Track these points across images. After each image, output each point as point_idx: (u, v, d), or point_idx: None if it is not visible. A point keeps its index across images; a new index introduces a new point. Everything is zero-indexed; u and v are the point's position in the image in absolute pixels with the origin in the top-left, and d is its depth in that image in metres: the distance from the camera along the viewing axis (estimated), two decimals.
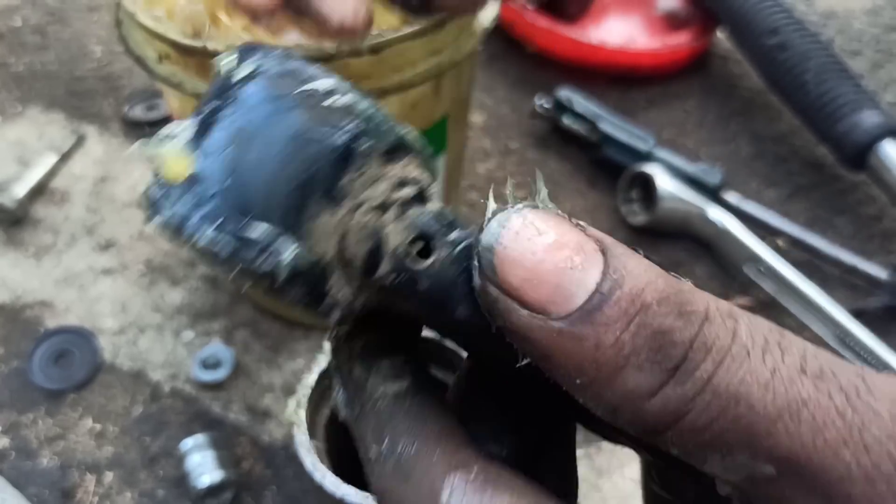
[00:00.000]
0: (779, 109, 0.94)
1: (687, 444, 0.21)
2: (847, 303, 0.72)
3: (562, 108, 0.89)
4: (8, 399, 0.69)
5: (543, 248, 0.21)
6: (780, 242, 0.79)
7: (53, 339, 0.73)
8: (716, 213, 0.78)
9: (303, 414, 0.45)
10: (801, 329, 0.71)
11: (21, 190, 0.83)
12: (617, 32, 1.00)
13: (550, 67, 0.99)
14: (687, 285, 0.22)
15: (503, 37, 1.02)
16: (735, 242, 0.77)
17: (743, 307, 0.23)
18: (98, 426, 0.67)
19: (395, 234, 0.23)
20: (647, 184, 0.81)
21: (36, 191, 0.85)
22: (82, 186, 0.86)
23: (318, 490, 0.43)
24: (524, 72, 1.01)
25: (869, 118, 0.81)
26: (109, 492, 0.63)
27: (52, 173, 0.87)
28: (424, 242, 0.23)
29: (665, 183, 0.80)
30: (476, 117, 0.94)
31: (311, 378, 0.47)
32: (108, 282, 0.78)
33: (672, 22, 1.01)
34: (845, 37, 1.08)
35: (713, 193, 0.81)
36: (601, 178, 0.87)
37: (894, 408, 0.20)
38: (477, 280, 0.22)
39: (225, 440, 0.65)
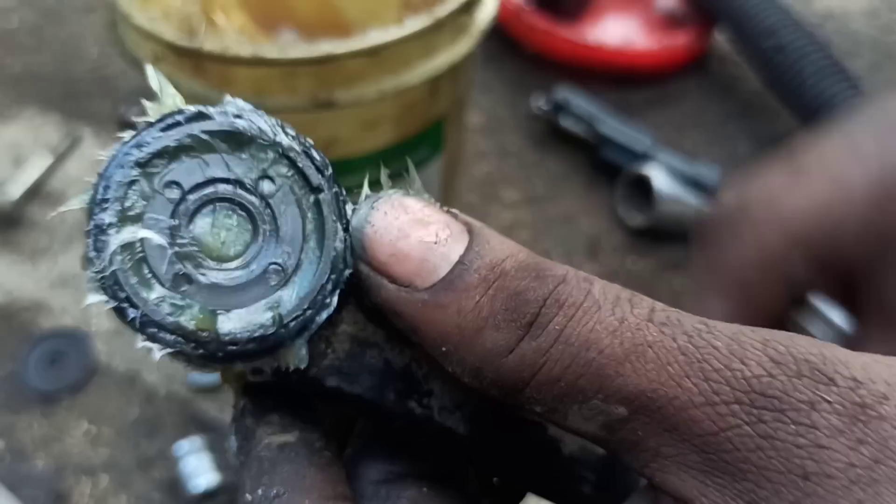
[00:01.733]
0: (777, 110, 0.93)
1: (546, 398, 0.23)
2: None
3: (559, 108, 0.89)
4: (2, 401, 0.69)
5: (409, 225, 0.23)
6: None
7: (48, 342, 0.72)
8: None
9: None
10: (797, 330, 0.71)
11: (16, 191, 0.83)
12: (615, 33, 1.00)
13: (548, 68, 0.99)
14: (549, 261, 0.24)
15: (501, 37, 1.01)
16: None
17: None
18: (93, 429, 0.67)
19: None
20: (645, 185, 0.81)
21: (31, 192, 0.84)
22: (78, 188, 0.86)
23: None
24: (522, 72, 1.00)
25: None
26: (104, 494, 0.63)
27: (47, 174, 0.86)
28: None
29: (663, 184, 0.79)
30: (473, 118, 0.94)
31: None
32: None
33: (670, 22, 1.01)
34: (843, 38, 1.08)
35: (712, 194, 0.81)
36: (599, 179, 0.87)
37: (732, 344, 0.21)
38: (349, 260, 0.24)
39: (220, 443, 0.65)
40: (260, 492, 0.24)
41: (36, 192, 0.85)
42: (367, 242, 0.24)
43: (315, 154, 0.25)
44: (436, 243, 0.23)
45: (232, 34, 0.54)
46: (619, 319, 0.22)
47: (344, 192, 0.25)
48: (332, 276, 0.24)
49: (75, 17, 1.08)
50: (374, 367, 0.26)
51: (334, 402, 0.26)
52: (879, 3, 1.13)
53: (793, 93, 0.87)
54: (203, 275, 0.23)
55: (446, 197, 0.73)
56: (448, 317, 0.23)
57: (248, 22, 0.53)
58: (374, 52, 0.51)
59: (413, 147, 0.60)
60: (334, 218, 0.24)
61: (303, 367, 0.24)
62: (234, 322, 0.23)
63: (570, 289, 0.23)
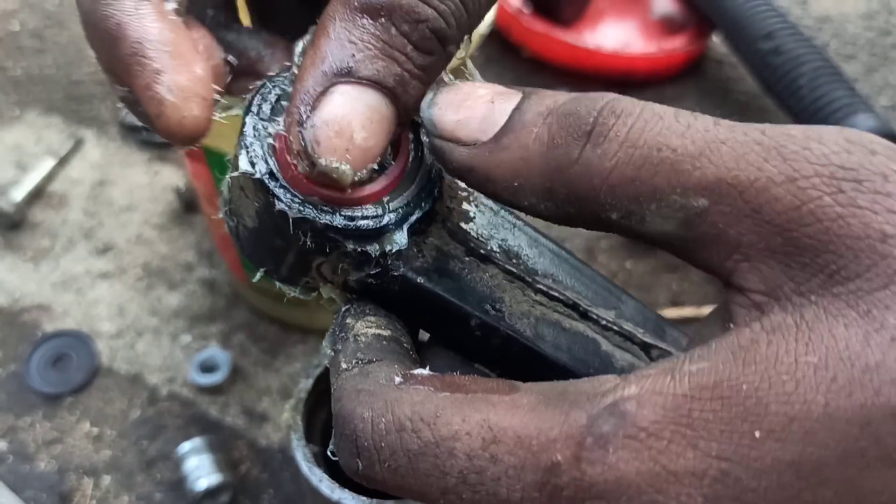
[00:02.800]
0: (774, 113, 0.94)
1: (622, 201, 0.24)
2: None
3: None
4: (5, 403, 0.69)
5: (467, 96, 0.27)
6: None
7: (51, 343, 0.73)
8: None
9: (299, 418, 0.46)
10: None
11: (19, 194, 0.83)
12: (612, 37, 1.00)
13: (546, 72, 0.99)
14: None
15: (499, 42, 1.02)
16: None
17: None
18: (95, 430, 0.68)
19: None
20: None
21: (34, 195, 0.85)
22: (80, 190, 0.86)
23: (314, 493, 0.43)
24: (520, 77, 1.01)
25: (863, 122, 0.81)
26: (107, 495, 0.64)
27: (50, 177, 0.87)
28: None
29: None
30: None
31: (307, 382, 0.48)
32: (105, 285, 0.78)
33: (667, 26, 1.01)
34: (840, 41, 1.08)
35: None
36: None
37: (807, 130, 0.22)
38: (425, 139, 0.28)
39: (222, 443, 0.65)
40: (355, 360, 0.27)
41: (39, 194, 0.86)
42: (436, 118, 0.27)
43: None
44: (493, 102, 0.26)
45: None
46: (686, 125, 0.24)
47: None
48: (427, 185, 0.30)
49: (76, 20, 1.08)
50: (455, 272, 0.30)
51: (420, 302, 0.30)
52: (876, 6, 1.14)
53: (789, 96, 0.87)
54: None
55: None
56: (513, 153, 0.25)
57: (250, 21, 0.53)
58: None
59: None
60: (424, 143, 0.30)
61: (402, 248, 0.29)
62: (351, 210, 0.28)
63: (625, 102, 0.25)
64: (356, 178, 0.27)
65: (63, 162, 0.89)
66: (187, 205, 0.83)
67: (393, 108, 0.27)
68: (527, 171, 0.25)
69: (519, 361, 0.31)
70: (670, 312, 0.75)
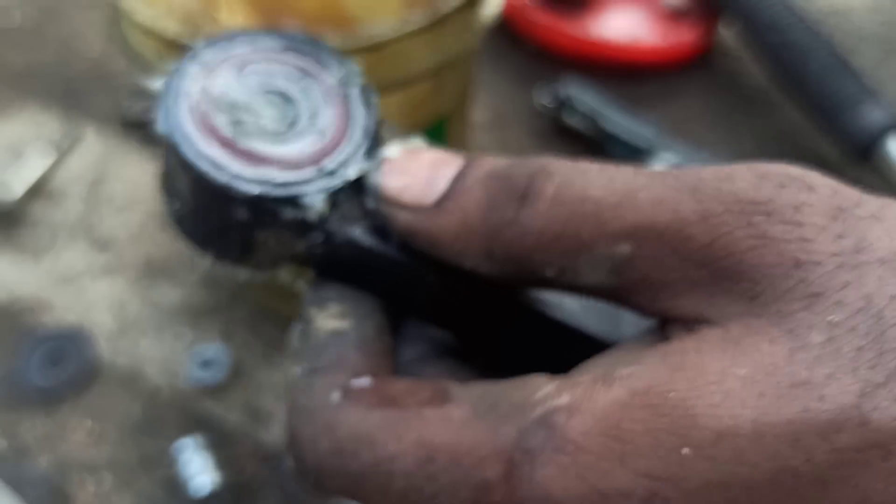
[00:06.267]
0: (783, 105, 0.93)
1: (554, 258, 0.25)
2: None
3: (563, 104, 0.88)
4: (4, 400, 0.69)
5: (410, 160, 0.28)
6: None
7: (50, 340, 0.72)
8: None
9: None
10: None
11: (18, 189, 0.83)
12: (619, 28, 0.99)
13: (552, 63, 0.98)
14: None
15: (505, 32, 1.01)
16: None
17: None
18: (96, 427, 0.67)
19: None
20: None
21: (33, 190, 0.84)
22: (79, 185, 0.86)
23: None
24: (526, 68, 1.00)
25: (873, 114, 0.80)
26: (107, 493, 0.63)
27: (49, 172, 0.86)
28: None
29: None
30: (477, 114, 0.94)
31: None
32: (105, 281, 0.77)
33: (675, 17, 1.00)
34: (847, 33, 1.07)
35: None
36: None
37: (719, 171, 0.24)
38: (371, 203, 0.29)
39: (224, 441, 0.65)
40: (305, 367, 0.27)
41: (38, 189, 0.85)
42: (381, 182, 0.28)
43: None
44: (436, 166, 0.28)
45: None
46: (608, 177, 0.25)
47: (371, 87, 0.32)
48: (364, 143, 0.30)
49: (76, 13, 1.07)
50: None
51: (376, 268, 0.29)
52: None
53: (798, 88, 0.87)
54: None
55: None
56: (454, 217, 0.26)
57: (252, 17, 0.52)
58: (376, 48, 0.50)
59: None
60: (362, 102, 0.31)
61: (344, 210, 0.29)
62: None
63: (557, 164, 0.26)
64: None
65: (62, 157, 0.88)
66: None
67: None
68: (466, 234, 0.26)
69: (487, 316, 0.31)
70: None
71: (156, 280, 0.77)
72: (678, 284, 0.23)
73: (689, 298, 0.23)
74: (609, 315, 0.32)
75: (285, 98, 0.30)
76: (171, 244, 0.80)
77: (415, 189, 0.27)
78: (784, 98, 0.91)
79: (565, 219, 0.24)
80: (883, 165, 0.79)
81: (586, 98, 0.88)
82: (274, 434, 0.66)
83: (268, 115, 0.29)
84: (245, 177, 0.27)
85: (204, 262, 0.30)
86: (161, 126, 0.28)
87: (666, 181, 0.24)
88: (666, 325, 0.25)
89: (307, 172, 0.28)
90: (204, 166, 0.27)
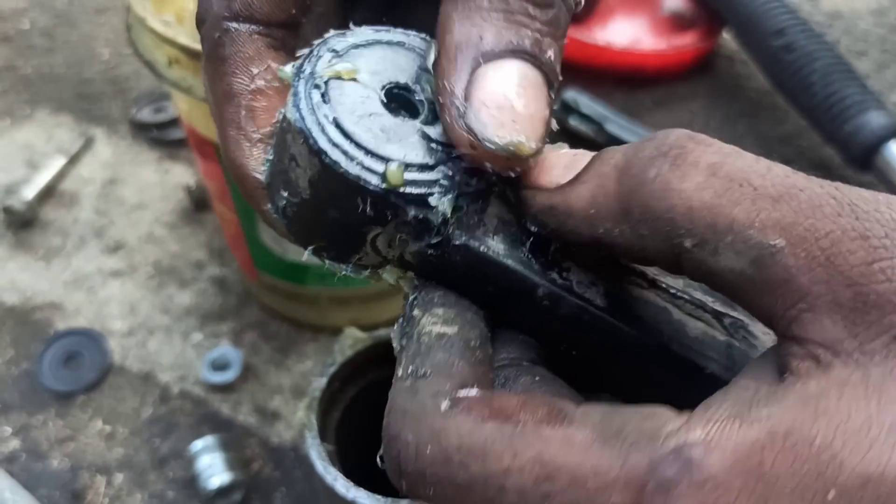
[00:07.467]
0: (785, 110, 0.94)
1: (698, 227, 0.24)
2: None
3: (568, 109, 0.89)
4: (18, 401, 0.69)
5: (553, 154, 0.29)
6: None
7: (63, 341, 0.73)
8: None
9: (314, 417, 0.46)
10: None
11: (30, 192, 0.84)
12: (623, 33, 1.00)
13: None
14: None
15: None
16: None
17: None
18: (108, 428, 0.68)
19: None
20: None
21: (45, 193, 0.85)
22: (91, 189, 0.87)
23: (329, 492, 0.43)
24: None
25: (875, 119, 0.81)
26: (119, 493, 0.64)
27: (60, 176, 0.87)
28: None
29: None
30: None
31: (321, 381, 0.48)
32: (117, 284, 0.78)
33: (678, 23, 1.01)
34: (851, 37, 1.08)
35: None
36: None
37: (878, 195, 0.23)
38: (516, 194, 0.29)
39: (234, 442, 0.65)
40: (410, 369, 0.26)
41: (50, 193, 0.86)
42: (524, 175, 0.29)
43: None
44: (576, 158, 0.28)
45: None
46: (766, 168, 0.24)
47: None
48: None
49: (87, 18, 1.08)
50: (517, 240, 0.29)
51: (484, 275, 0.29)
52: (887, 3, 1.13)
53: (801, 93, 0.87)
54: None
55: None
56: (590, 182, 0.26)
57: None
58: None
59: None
60: None
61: (463, 215, 0.28)
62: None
63: (711, 139, 0.25)
64: (534, 149, 0.27)
65: (74, 160, 0.89)
66: (198, 203, 0.84)
67: (537, 71, 0.28)
68: (603, 195, 0.26)
69: (589, 334, 0.30)
70: None
71: (166, 282, 0.78)
72: (820, 299, 0.22)
73: (827, 320, 0.22)
74: (724, 348, 0.31)
75: (411, 94, 0.29)
76: (181, 247, 0.81)
77: (554, 172, 0.28)
78: (787, 103, 0.91)
79: (720, 192, 0.24)
80: (885, 170, 0.80)
81: (591, 103, 0.89)
82: (283, 434, 0.67)
83: (396, 111, 0.28)
84: (375, 170, 0.27)
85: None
86: (290, 113, 0.27)
87: (824, 188, 0.23)
88: (787, 353, 0.23)
89: (436, 174, 0.28)
90: (335, 156, 0.27)
